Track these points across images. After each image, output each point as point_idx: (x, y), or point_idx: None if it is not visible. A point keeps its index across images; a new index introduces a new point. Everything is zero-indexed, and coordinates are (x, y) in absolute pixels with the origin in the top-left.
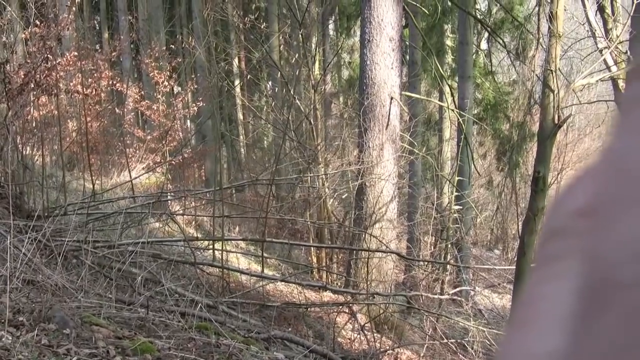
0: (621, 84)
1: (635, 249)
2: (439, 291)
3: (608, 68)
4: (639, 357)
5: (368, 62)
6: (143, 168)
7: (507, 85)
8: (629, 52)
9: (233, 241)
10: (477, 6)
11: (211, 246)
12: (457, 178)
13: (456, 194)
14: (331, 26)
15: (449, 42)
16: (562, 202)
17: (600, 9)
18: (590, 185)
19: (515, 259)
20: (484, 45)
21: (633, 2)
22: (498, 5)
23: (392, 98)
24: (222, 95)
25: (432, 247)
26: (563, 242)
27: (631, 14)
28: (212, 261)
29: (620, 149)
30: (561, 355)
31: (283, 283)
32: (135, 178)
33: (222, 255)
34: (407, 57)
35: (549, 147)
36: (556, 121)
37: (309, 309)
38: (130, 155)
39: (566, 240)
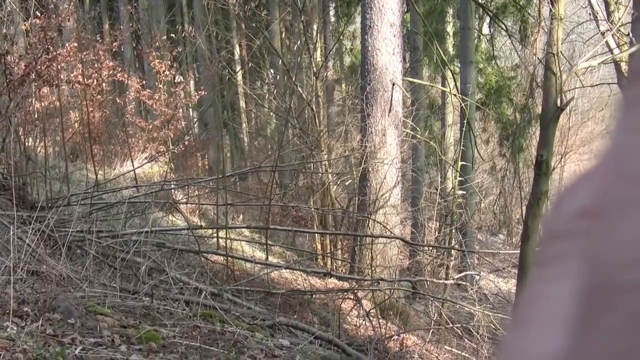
0: (624, 66)
1: (636, 252)
2: (444, 276)
3: (610, 51)
4: None
5: (369, 48)
6: (146, 158)
7: (509, 70)
8: (631, 35)
9: (237, 229)
10: None
11: (215, 234)
12: (460, 163)
13: (460, 179)
14: (332, 12)
15: (450, 27)
16: (564, 203)
17: None
18: (592, 186)
19: (520, 243)
20: (485, 29)
21: None
22: None
23: (394, 84)
24: (223, 84)
25: (437, 232)
26: (564, 244)
27: None
28: (216, 249)
29: (622, 149)
30: (561, 357)
31: (287, 270)
32: (138, 167)
33: (226, 243)
34: (409, 42)
35: (551, 130)
36: (559, 104)
37: (313, 295)
38: (132, 145)
39: (567, 241)
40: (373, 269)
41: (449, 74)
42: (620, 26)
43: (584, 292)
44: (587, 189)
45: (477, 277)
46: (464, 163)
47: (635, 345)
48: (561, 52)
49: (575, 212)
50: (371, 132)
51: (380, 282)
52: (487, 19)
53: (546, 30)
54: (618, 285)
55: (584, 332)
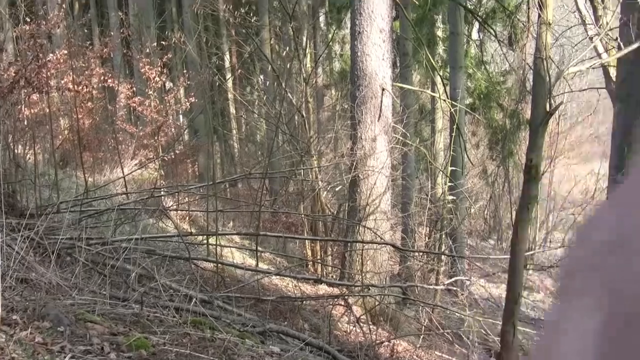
0: (612, 71)
1: None
2: (434, 282)
3: (599, 55)
4: None
5: (359, 54)
6: (136, 164)
7: (499, 75)
8: (618, 39)
9: (227, 236)
10: None
11: (205, 241)
12: (450, 168)
13: (449, 184)
14: (322, 18)
15: (440, 33)
16: (586, 235)
17: None
18: (613, 219)
19: (510, 248)
20: (475, 35)
21: None
22: None
23: (383, 89)
24: (213, 90)
25: (427, 237)
26: (587, 275)
27: (620, 0)
28: (207, 256)
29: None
30: None
31: (278, 277)
32: (128, 174)
33: (216, 250)
34: (399, 48)
35: (540, 135)
36: (548, 109)
37: (304, 302)
38: (122, 152)
39: (590, 273)
40: (363, 274)
41: (438, 79)
42: (608, 31)
43: (607, 324)
44: (609, 221)
45: (468, 283)
46: (453, 168)
47: None
48: (550, 56)
49: (598, 245)
50: (361, 139)
51: (370, 288)
52: (477, 25)
53: (535, 35)
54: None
55: None
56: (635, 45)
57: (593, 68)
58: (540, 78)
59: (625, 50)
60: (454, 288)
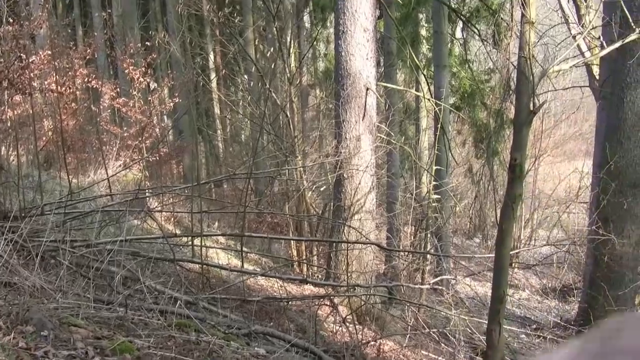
0: (595, 69)
1: None
2: (420, 281)
3: (582, 54)
4: None
5: (343, 54)
6: (120, 165)
7: (483, 74)
8: (601, 38)
9: (212, 236)
10: None
11: (190, 242)
12: (434, 167)
13: (434, 183)
14: (306, 18)
15: (423, 32)
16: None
17: None
18: None
19: (495, 246)
20: (459, 33)
21: None
22: None
23: (368, 89)
24: (198, 90)
25: (412, 237)
26: None
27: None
28: (192, 257)
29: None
30: None
31: (264, 277)
32: (113, 176)
33: (201, 251)
34: (383, 47)
35: (524, 134)
36: (531, 108)
37: (290, 302)
38: (106, 153)
39: None
40: (349, 274)
41: (422, 78)
42: (591, 29)
43: None
44: None
45: (453, 281)
46: (438, 167)
47: None
48: (534, 55)
49: None
50: (346, 138)
51: (356, 287)
52: (461, 23)
53: (518, 34)
54: None
55: None
56: (617, 45)
57: (577, 67)
58: (524, 77)
59: (607, 49)
60: (440, 287)
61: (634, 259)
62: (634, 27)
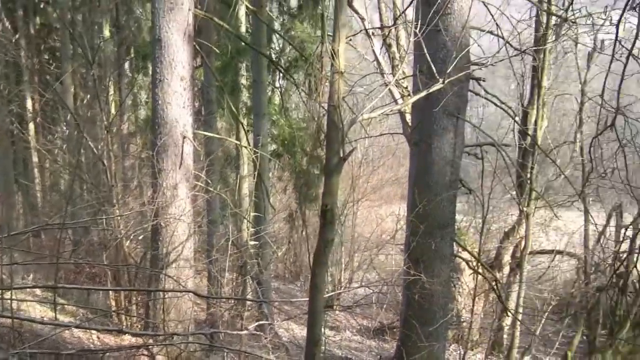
0: (408, 117)
1: None
2: (239, 327)
3: (395, 101)
4: None
5: (160, 102)
6: None
7: (302, 121)
8: (409, 87)
9: (25, 289)
10: (273, 45)
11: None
12: (253, 214)
13: (253, 229)
14: (127, 65)
15: (244, 80)
16: None
17: (388, 47)
18: None
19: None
20: (279, 82)
21: (416, 36)
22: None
23: (184, 137)
24: (14, 138)
25: (233, 283)
26: None
27: (408, 51)
28: (2, 311)
29: None
30: None
31: (80, 330)
32: None
33: (11, 305)
34: (203, 95)
35: (335, 180)
36: (341, 155)
37: (106, 354)
38: None
39: None
40: (166, 323)
41: (241, 127)
42: (401, 79)
43: None
44: None
45: (271, 326)
46: (256, 214)
47: None
48: (346, 103)
49: None
50: (163, 187)
51: (174, 336)
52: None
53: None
54: None
55: None
56: (423, 94)
57: (386, 115)
58: (333, 125)
59: (414, 98)
60: (258, 333)
61: (444, 297)
62: (437, 77)
